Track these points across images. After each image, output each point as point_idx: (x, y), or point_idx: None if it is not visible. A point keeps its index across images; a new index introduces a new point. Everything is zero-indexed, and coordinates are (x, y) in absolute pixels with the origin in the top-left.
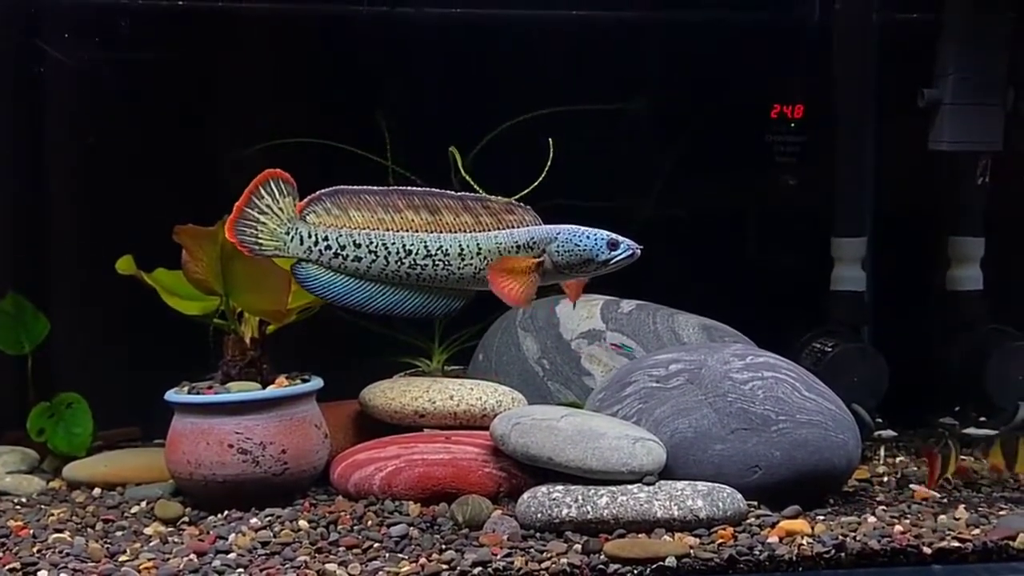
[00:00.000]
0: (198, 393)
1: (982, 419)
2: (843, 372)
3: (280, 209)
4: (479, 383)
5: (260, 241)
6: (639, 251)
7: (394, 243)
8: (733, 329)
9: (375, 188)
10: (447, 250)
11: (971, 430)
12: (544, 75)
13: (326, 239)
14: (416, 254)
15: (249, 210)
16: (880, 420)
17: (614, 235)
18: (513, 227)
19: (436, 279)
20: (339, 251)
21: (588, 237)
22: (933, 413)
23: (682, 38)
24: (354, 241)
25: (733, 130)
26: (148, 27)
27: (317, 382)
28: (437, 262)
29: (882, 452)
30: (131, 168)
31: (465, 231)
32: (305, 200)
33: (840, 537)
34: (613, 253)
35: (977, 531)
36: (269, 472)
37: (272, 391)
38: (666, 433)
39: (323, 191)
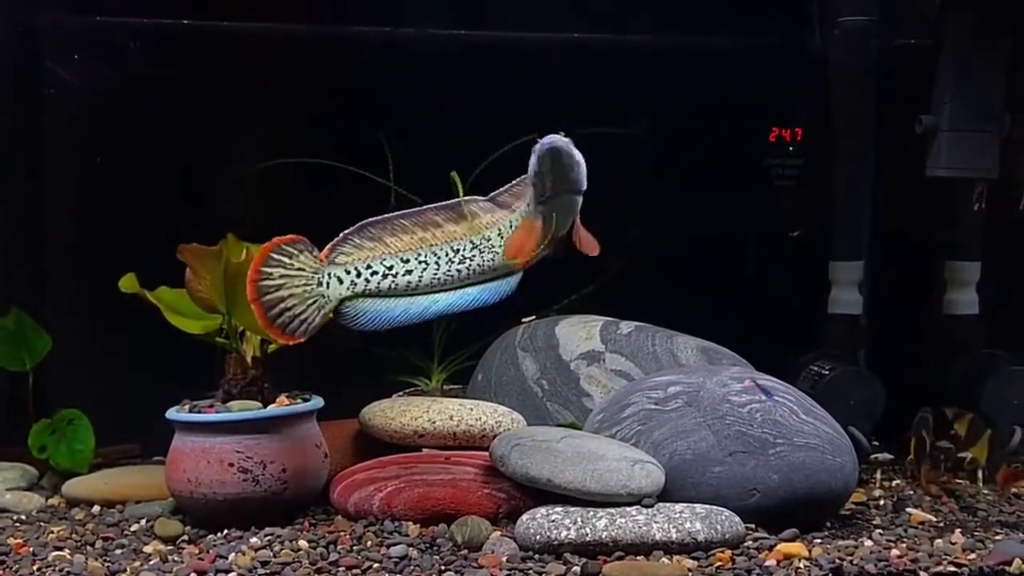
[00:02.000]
0: (199, 412)
1: None
2: (840, 395)
3: (299, 268)
4: (478, 403)
5: (299, 315)
6: (554, 144)
7: (442, 248)
8: (731, 352)
9: (403, 212)
10: (488, 236)
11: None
12: (545, 97)
13: (369, 267)
14: (463, 249)
15: (267, 296)
16: (876, 443)
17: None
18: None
19: (484, 267)
20: (387, 272)
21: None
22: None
23: (681, 62)
24: (401, 259)
25: (732, 154)
26: (152, 46)
27: (318, 401)
28: (483, 249)
29: (878, 475)
30: (135, 186)
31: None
32: (328, 247)
33: (837, 561)
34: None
35: (973, 556)
36: (269, 491)
37: (273, 410)
38: (665, 455)
39: (346, 232)
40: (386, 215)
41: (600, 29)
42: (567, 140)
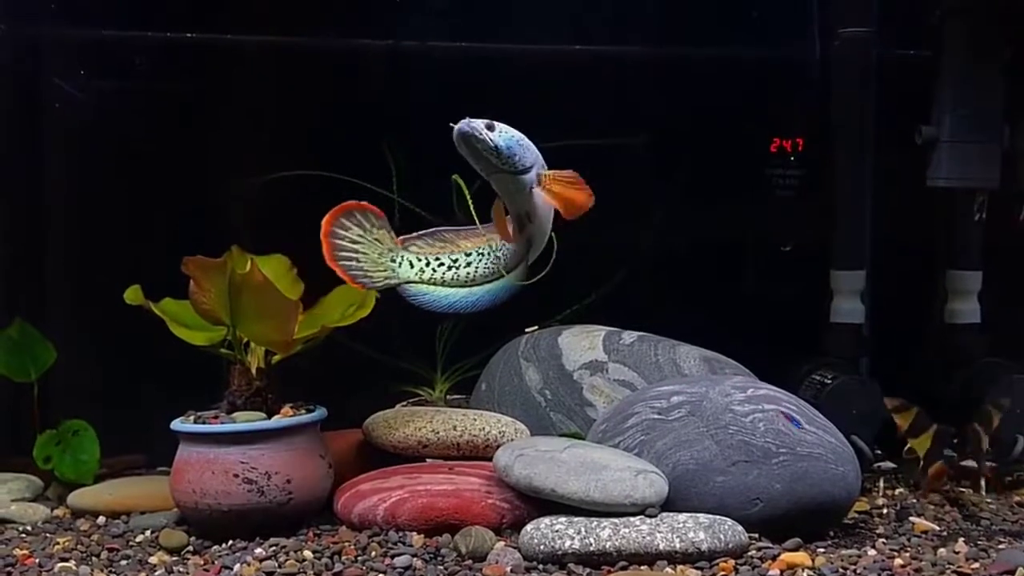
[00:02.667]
0: (204, 422)
1: None
2: (842, 404)
3: (376, 239)
4: (482, 413)
5: (368, 273)
6: (458, 130)
7: (481, 249)
8: (734, 361)
9: (473, 227)
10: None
11: (969, 462)
12: (547, 108)
13: (438, 259)
14: (488, 251)
15: (340, 241)
16: (879, 452)
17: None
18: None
19: (496, 264)
20: (452, 264)
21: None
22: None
23: (683, 73)
24: (464, 252)
25: (734, 163)
26: (156, 59)
27: (322, 412)
28: (497, 249)
29: (881, 484)
30: (139, 199)
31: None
32: (404, 237)
33: (841, 570)
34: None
35: (977, 565)
36: (274, 502)
37: (278, 421)
38: (668, 465)
39: (423, 232)
40: (459, 227)
41: (604, 41)
42: (475, 123)
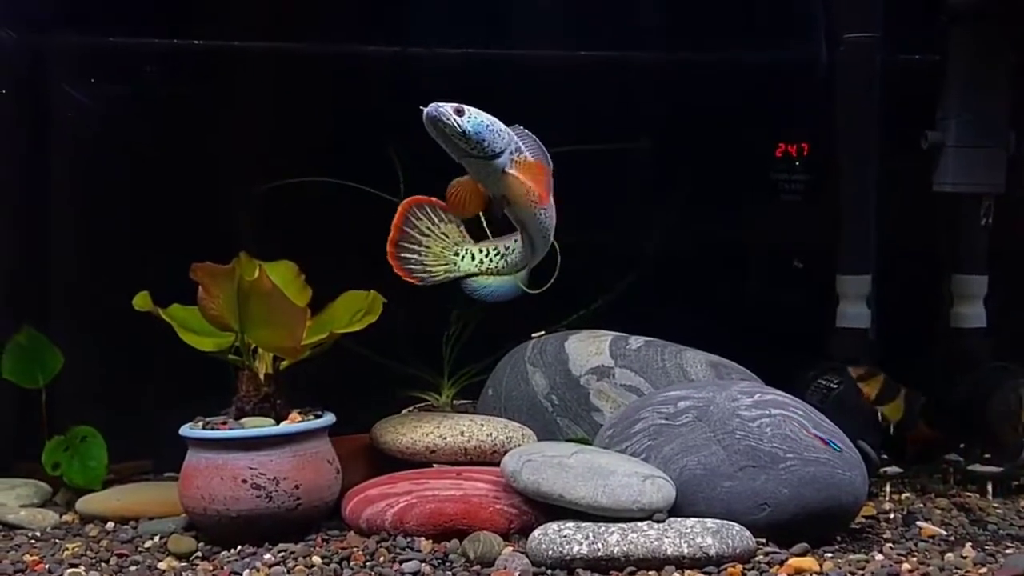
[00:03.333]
0: (212, 428)
1: (987, 456)
2: (849, 409)
3: (444, 234)
4: (489, 419)
5: (428, 267)
6: (425, 114)
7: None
8: (740, 366)
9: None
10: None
11: (976, 467)
12: (552, 113)
13: (495, 248)
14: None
15: (410, 231)
16: (885, 457)
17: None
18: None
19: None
20: (504, 252)
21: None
22: (938, 449)
23: (688, 78)
24: (515, 240)
25: (739, 168)
26: (163, 66)
27: (330, 417)
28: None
29: (887, 489)
30: (146, 205)
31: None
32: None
33: (848, 575)
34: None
35: (984, 570)
36: (282, 507)
37: (287, 427)
38: (675, 470)
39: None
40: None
41: (609, 46)
42: (443, 107)
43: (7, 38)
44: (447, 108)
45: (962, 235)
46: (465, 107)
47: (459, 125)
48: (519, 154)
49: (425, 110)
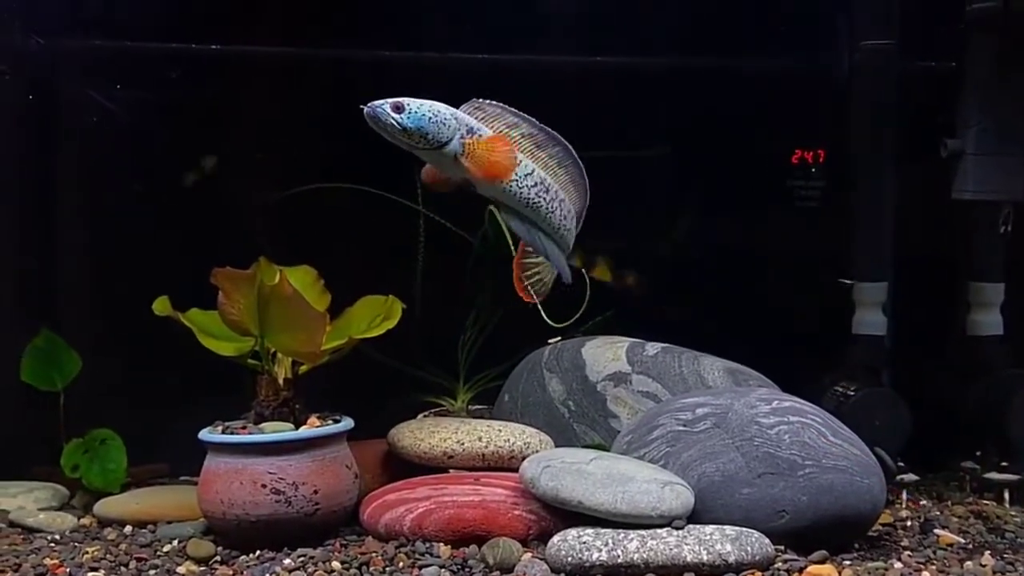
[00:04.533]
0: (232, 433)
1: (1003, 463)
2: (865, 416)
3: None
4: (507, 424)
5: (545, 281)
6: (367, 112)
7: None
8: (758, 373)
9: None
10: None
11: (992, 474)
12: (567, 120)
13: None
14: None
15: (530, 258)
16: (902, 464)
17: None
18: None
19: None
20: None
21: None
22: (954, 457)
23: (705, 85)
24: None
25: (754, 175)
26: (182, 71)
27: (348, 422)
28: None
29: (904, 496)
30: (164, 209)
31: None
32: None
33: None
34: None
35: None
36: (301, 512)
37: (306, 431)
38: (693, 477)
39: None
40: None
41: (626, 52)
42: (382, 106)
43: (33, 43)
44: (386, 106)
45: (979, 243)
46: (405, 101)
47: (398, 123)
48: (472, 135)
49: (364, 109)
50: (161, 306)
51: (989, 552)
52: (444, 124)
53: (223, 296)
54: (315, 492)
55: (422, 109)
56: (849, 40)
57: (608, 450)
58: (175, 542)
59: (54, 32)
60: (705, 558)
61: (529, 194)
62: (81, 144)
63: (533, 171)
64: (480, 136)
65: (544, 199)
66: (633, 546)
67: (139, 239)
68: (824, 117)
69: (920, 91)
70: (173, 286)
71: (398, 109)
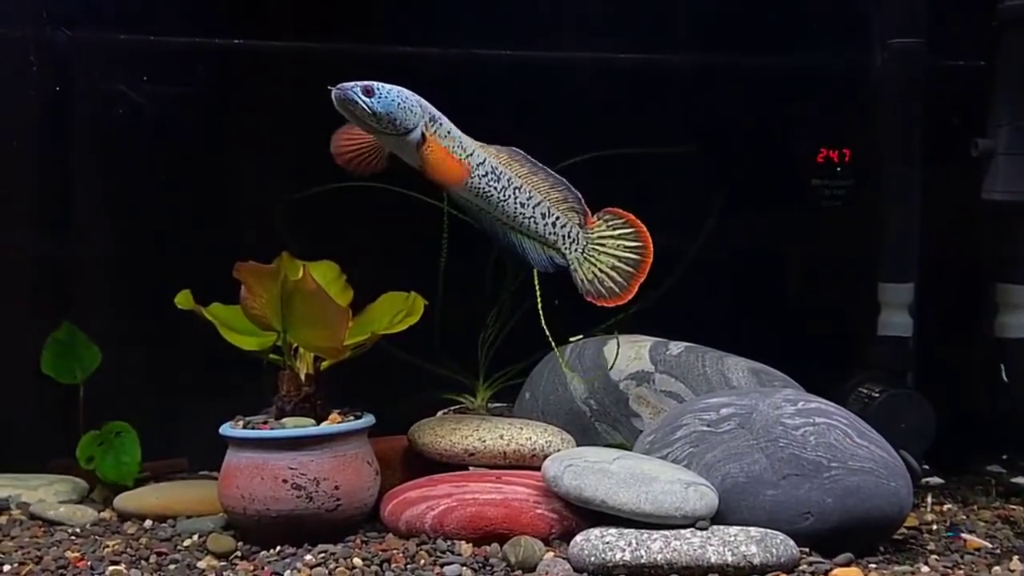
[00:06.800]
0: (253, 428)
1: None
2: (891, 418)
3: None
4: (528, 423)
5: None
6: (337, 95)
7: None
8: (782, 374)
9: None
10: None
11: (1020, 479)
12: (591, 117)
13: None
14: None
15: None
16: (927, 467)
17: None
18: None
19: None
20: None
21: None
22: (980, 460)
23: (731, 83)
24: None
25: (780, 174)
26: (208, 68)
27: (370, 419)
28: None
29: (929, 499)
30: (186, 203)
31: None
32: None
33: None
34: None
35: None
36: (322, 508)
37: (328, 427)
38: (717, 477)
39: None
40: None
41: (649, 50)
42: (352, 89)
43: (62, 36)
44: (357, 89)
45: (1008, 244)
46: (375, 85)
47: (369, 107)
48: (434, 124)
49: (334, 91)
50: (184, 300)
51: (1017, 557)
52: (411, 111)
53: (246, 290)
54: (336, 488)
55: (391, 94)
56: (878, 39)
57: (630, 450)
58: (195, 537)
59: (82, 24)
60: (730, 559)
61: (480, 183)
62: (106, 137)
63: (484, 160)
64: (440, 127)
65: (495, 188)
66: (657, 546)
67: (162, 232)
68: (851, 116)
69: (949, 90)
70: (196, 280)
71: (368, 92)
